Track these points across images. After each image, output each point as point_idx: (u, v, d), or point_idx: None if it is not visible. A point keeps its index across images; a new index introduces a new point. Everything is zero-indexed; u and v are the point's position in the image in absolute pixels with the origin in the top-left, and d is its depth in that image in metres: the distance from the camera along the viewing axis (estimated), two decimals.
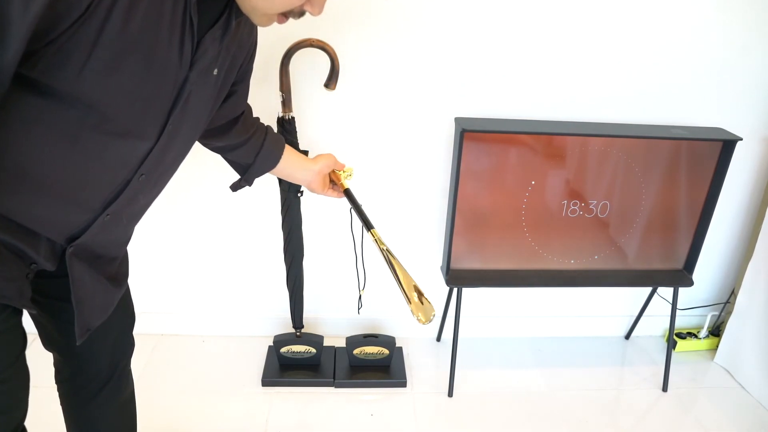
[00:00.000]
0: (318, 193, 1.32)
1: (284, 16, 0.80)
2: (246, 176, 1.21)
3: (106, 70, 0.68)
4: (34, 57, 0.64)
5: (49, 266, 0.84)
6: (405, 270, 1.28)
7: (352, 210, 1.34)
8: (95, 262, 0.90)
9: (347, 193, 1.36)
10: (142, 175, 0.83)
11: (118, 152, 0.78)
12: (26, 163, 0.73)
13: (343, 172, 1.35)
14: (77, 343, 0.91)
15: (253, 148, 1.17)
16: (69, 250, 0.83)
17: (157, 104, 0.78)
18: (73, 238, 0.83)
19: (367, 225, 1.31)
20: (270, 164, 1.21)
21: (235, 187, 1.25)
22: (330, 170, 1.32)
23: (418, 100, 1.65)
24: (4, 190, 0.73)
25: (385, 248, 1.28)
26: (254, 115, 1.20)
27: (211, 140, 1.12)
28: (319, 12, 0.80)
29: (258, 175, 1.22)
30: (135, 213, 0.92)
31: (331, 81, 1.47)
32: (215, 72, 0.86)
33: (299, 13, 0.80)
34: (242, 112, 1.13)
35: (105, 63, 0.67)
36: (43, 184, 0.75)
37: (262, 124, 1.21)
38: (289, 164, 1.24)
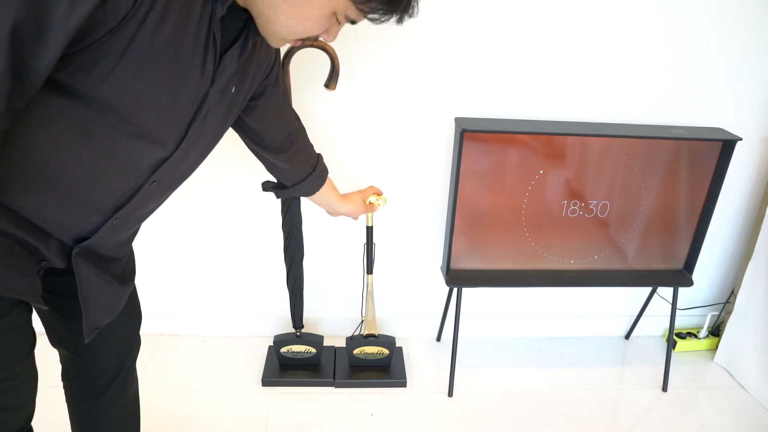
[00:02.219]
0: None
1: (300, 39, 0.84)
2: (278, 192, 1.33)
3: (130, 77, 0.70)
4: (63, 60, 0.65)
5: (59, 263, 0.84)
6: (372, 312, 1.76)
7: (365, 246, 1.67)
8: (100, 261, 0.91)
9: (369, 231, 1.64)
10: (154, 182, 0.85)
11: (132, 154, 0.79)
12: (41, 160, 0.74)
13: (380, 198, 1.54)
14: (86, 341, 0.91)
15: (294, 177, 1.28)
16: (75, 251, 0.84)
17: (176, 115, 0.80)
18: (80, 240, 0.84)
19: (369, 268, 1.70)
20: (303, 194, 1.35)
21: (265, 189, 1.36)
22: (357, 214, 1.51)
23: (418, 100, 1.65)
24: (18, 186, 0.74)
25: (370, 291, 1.73)
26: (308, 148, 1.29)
27: (261, 153, 1.18)
28: (334, 39, 0.85)
29: (288, 197, 1.39)
30: (142, 217, 0.93)
31: (331, 81, 1.47)
32: (233, 90, 0.89)
33: (314, 38, 0.85)
34: (294, 141, 1.19)
35: (130, 71, 0.69)
36: (57, 182, 0.76)
37: (315, 155, 1.31)
38: (319, 199, 1.39)
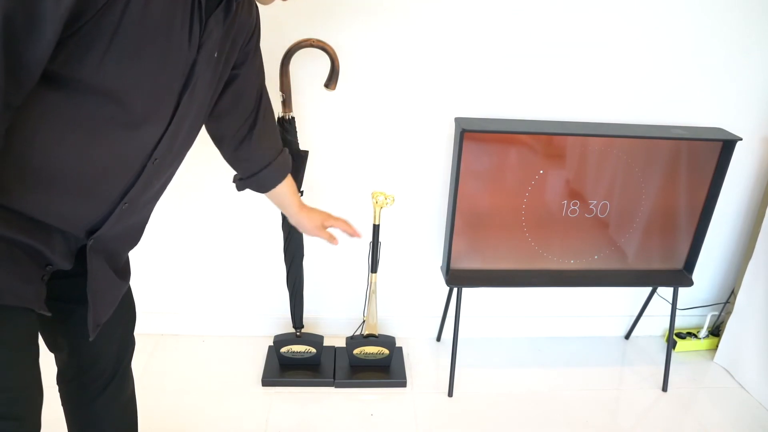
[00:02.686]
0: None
1: None
2: (238, 184, 1.25)
3: (126, 58, 0.69)
4: (56, 48, 0.64)
5: (66, 265, 0.84)
6: (374, 311, 1.75)
7: (371, 244, 1.66)
8: (111, 255, 0.91)
9: (375, 229, 1.61)
10: (155, 160, 0.84)
11: (134, 141, 0.79)
12: (43, 160, 0.73)
13: (388, 197, 1.55)
14: (90, 339, 0.91)
15: (254, 167, 1.19)
16: (89, 243, 0.84)
17: (170, 89, 0.79)
18: (91, 231, 0.84)
19: (374, 267, 1.69)
20: (261, 187, 1.24)
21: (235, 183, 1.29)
22: (310, 232, 1.36)
23: (418, 100, 1.65)
24: (24, 188, 0.74)
25: (373, 290, 1.72)
26: (274, 139, 1.21)
27: (225, 135, 1.12)
28: None
29: (247, 188, 1.25)
30: (150, 198, 0.93)
31: (331, 81, 1.47)
32: (215, 54, 0.87)
33: None
34: (261, 116, 1.12)
35: (125, 51, 0.68)
36: (61, 180, 0.76)
37: (280, 145, 1.23)
38: (278, 199, 1.28)
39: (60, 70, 0.67)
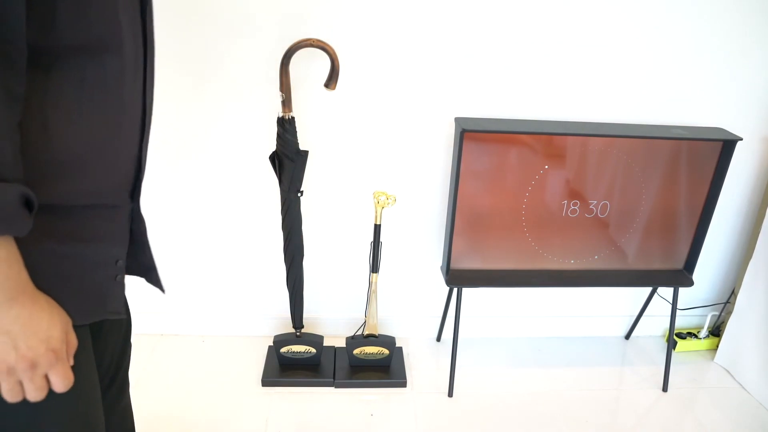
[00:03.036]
0: None
1: None
2: None
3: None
4: (28, 14, 0.63)
5: (126, 242, 0.83)
6: (374, 310, 1.73)
7: (372, 244, 1.66)
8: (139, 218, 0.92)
9: (376, 229, 1.61)
10: (146, 92, 0.83)
11: (133, 83, 0.78)
12: (68, 145, 0.72)
13: (389, 197, 1.56)
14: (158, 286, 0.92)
15: None
16: (134, 207, 0.84)
17: (135, 14, 0.77)
18: (131, 193, 0.84)
19: (375, 267, 1.69)
20: None
21: None
22: None
23: (418, 100, 1.65)
24: (64, 179, 0.72)
25: (374, 290, 1.72)
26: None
27: None
28: None
29: None
30: (149, 134, 0.92)
31: (331, 81, 1.47)
32: None
33: None
34: None
35: None
36: (94, 161, 0.74)
37: None
38: None
39: (45, 42, 0.65)
